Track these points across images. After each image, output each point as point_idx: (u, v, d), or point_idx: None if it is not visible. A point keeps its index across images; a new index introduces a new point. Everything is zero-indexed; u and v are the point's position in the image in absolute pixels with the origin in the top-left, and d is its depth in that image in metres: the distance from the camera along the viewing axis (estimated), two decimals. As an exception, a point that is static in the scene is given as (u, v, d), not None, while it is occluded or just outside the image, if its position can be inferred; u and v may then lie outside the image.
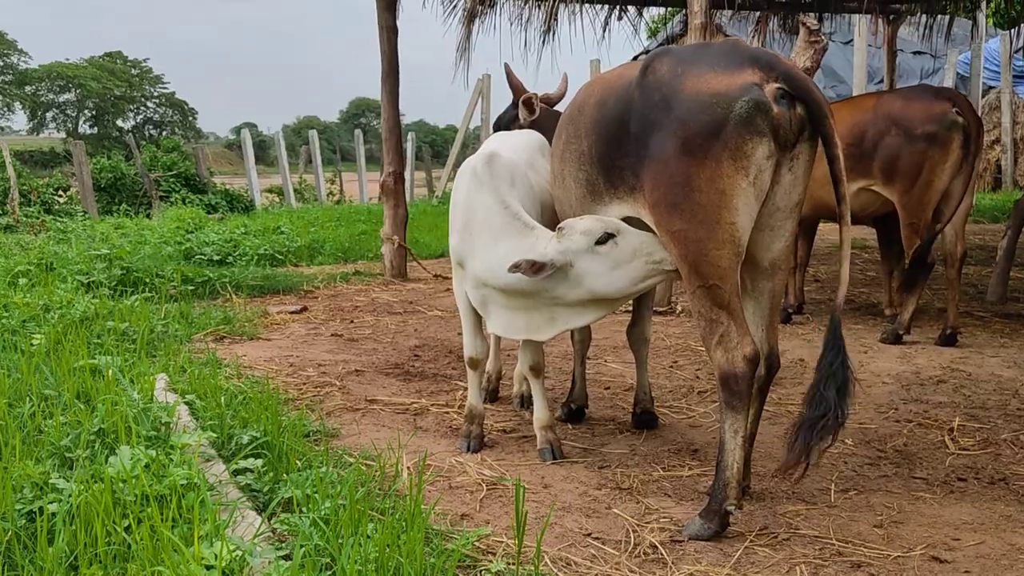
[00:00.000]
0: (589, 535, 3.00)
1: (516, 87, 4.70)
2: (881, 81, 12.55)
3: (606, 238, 3.28)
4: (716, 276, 2.95)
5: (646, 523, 3.11)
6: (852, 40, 15.76)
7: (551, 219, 3.83)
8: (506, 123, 4.76)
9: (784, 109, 2.88)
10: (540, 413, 3.82)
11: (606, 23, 10.10)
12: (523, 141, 4.19)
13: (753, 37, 10.70)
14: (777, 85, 2.89)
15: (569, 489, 3.43)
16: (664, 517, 3.17)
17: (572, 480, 3.52)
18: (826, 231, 11.71)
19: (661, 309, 6.81)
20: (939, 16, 10.41)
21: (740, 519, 3.10)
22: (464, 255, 3.68)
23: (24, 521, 2.57)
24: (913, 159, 5.68)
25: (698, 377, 5.10)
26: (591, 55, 10.50)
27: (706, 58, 3.02)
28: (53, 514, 2.54)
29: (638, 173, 3.13)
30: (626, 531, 3.04)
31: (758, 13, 10.43)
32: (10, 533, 2.49)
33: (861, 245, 10.56)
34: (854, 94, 13.29)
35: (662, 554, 2.86)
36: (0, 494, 2.65)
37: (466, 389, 4.70)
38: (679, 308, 6.91)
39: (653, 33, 17.16)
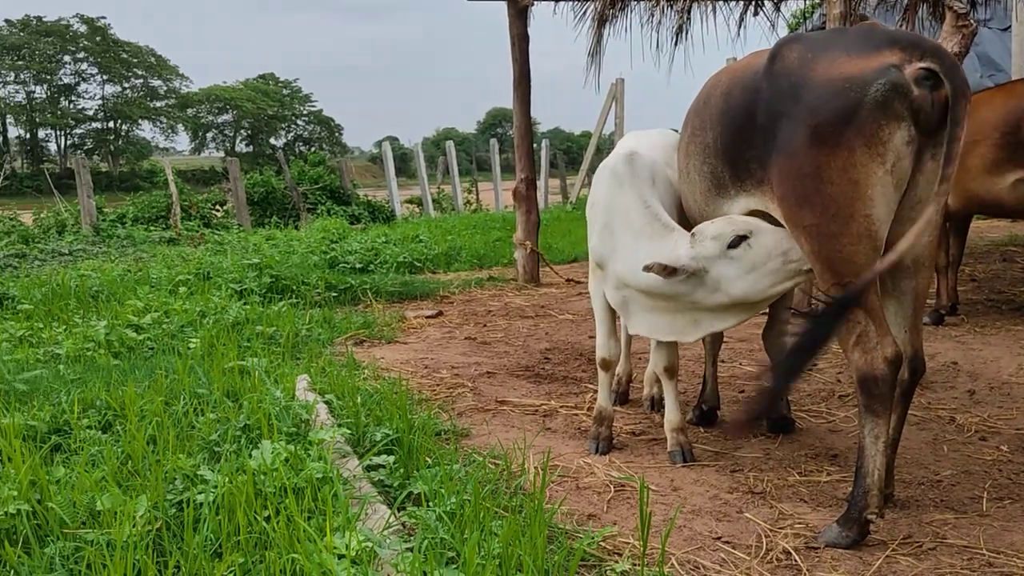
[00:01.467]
0: (719, 539, 2.93)
1: None
2: (1045, 67, 11.68)
3: (738, 241, 3.19)
4: (852, 273, 2.82)
5: (780, 529, 3.00)
6: (1010, 26, 14.74)
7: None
8: None
9: (926, 91, 2.70)
10: (671, 415, 3.76)
11: (741, 20, 9.84)
12: (659, 139, 4.11)
13: (900, 25, 10.18)
14: (920, 65, 2.72)
15: (699, 492, 3.36)
16: (799, 523, 3.05)
17: (702, 483, 3.45)
18: (983, 227, 11.03)
19: (802, 312, 6.56)
20: (1109, -6, 9.60)
21: (882, 527, 2.96)
22: (605, 255, 3.64)
23: (174, 510, 2.75)
24: (1078, 147, 5.26)
25: (839, 380, 4.89)
26: (725, 54, 10.23)
27: (839, 43, 2.89)
28: (200, 504, 2.71)
29: (765, 165, 3.03)
30: (758, 536, 2.95)
31: (906, 1, 9.92)
32: (160, 521, 2.67)
33: (1024, 242, 9.86)
34: (1014, 81, 12.40)
35: (796, 561, 2.76)
36: (154, 485, 2.84)
37: (596, 391, 4.69)
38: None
39: (793, 29, 16.62)
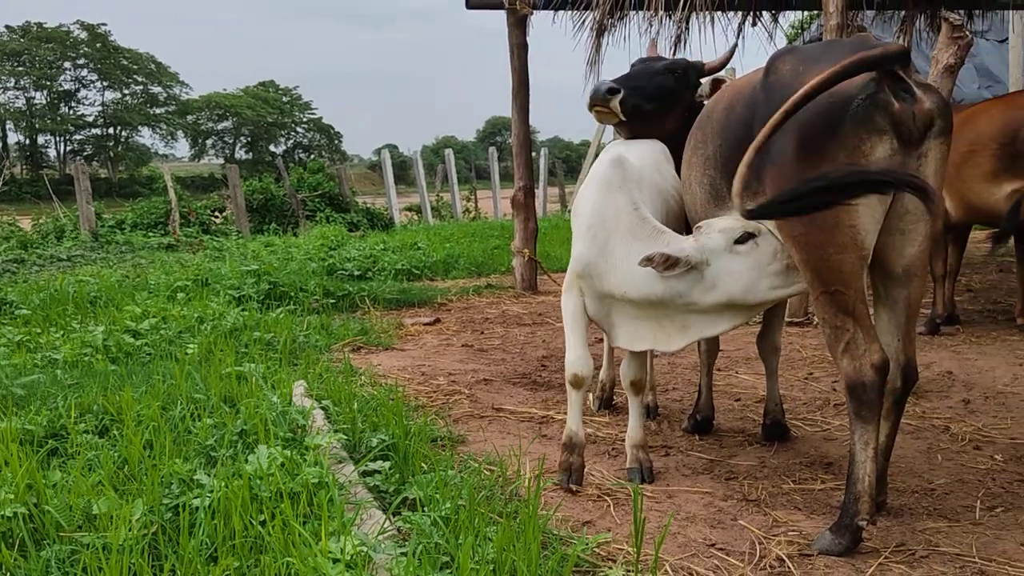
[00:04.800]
0: (713, 545, 2.94)
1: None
2: (1042, 79, 11.73)
3: (746, 237, 3.19)
4: (839, 281, 2.85)
5: (773, 536, 3.02)
6: (1007, 39, 14.80)
7: (675, 225, 3.77)
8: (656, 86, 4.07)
9: (907, 105, 2.74)
10: (634, 431, 3.70)
11: (739, 30, 9.89)
12: (647, 148, 4.11)
13: (898, 37, 10.23)
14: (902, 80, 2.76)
15: (694, 499, 3.37)
16: (793, 530, 3.07)
17: (697, 491, 3.46)
18: (980, 237, 11.05)
19: (797, 320, 6.59)
20: (1106, 6, 9.66)
21: (876, 535, 2.97)
22: (592, 260, 3.51)
23: (170, 514, 2.76)
24: (1073, 158, 5.30)
25: (834, 389, 4.90)
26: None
27: (829, 56, 2.91)
28: (196, 508, 2.72)
29: (761, 176, 3.06)
30: (752, 543, 2.96)
31: (903, 12, 9.98)
32: (156, 525, 2.68)
33: None
34: (1011, 93, 12.43)
35: (789, 568, 2.77)
36: (150, 489, 2.85)
37: (592, 398, 4.70)
38: (816, 319, 6.67)
39: (791, 39, 16.67)
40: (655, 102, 4.02)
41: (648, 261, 3.21)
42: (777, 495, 3.40)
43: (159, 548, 2.61)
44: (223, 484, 2.81)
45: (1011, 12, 11.76)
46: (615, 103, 3.94)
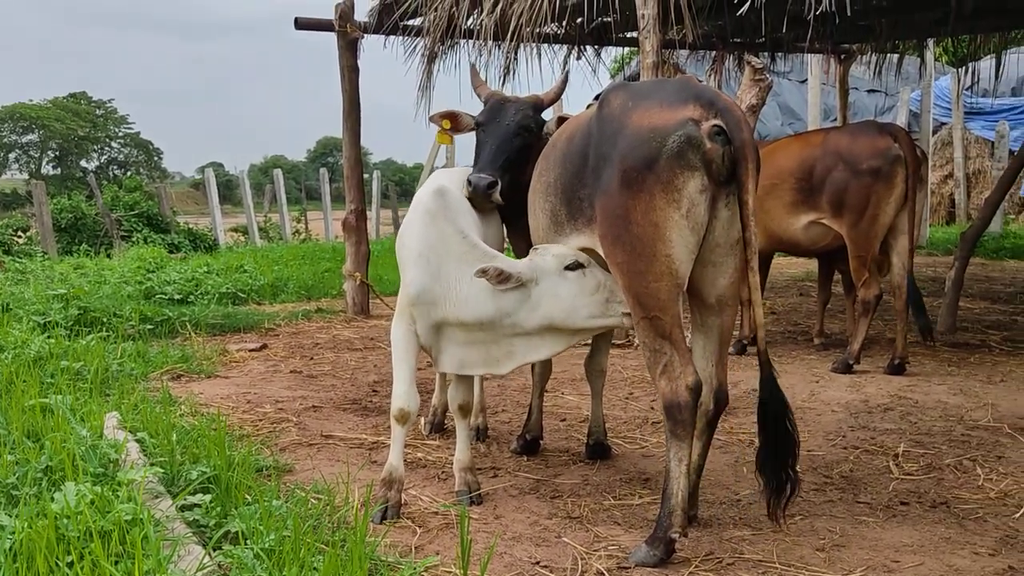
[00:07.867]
0: (537, 563, 3.03)
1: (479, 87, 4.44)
2: (836, 119, 12.86)
3: (576, 266, 3.36)
4: (657, 307, 3.03)
5: (594, 551, 3.14)
6: (807, 79, 16.14)
7: (495, 245, 3.91)
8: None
9: (718, 146, 2.95)
10: (461, 455, 3.77)
11: (565, 63, 10.27)
12: (464, 175, 4.16)
13: (709, 76, 10.94)
14: (714, 122, 2.97)
15: (520, 519, 3.46)
16: (612, 545, 3.20)
17: (523, 510, 3.55)
18: (784, 264, 11.95)
19: (619, 342, 6.88)
20: (889, 55, 10.73)
21: (687, 545, 3.15)
22: (426, 287, 3.54)
23: (-35, 559, 2.55)
24: (860, 193, 5.85)
25: (652, 408, 5.16)
26: (551, 94, 10.57)
27: (656, 94, 3.11)
28: (-6, 551, 2.53)
29: (593, 204, 3.21)
30: (574, 559, 3.07)
31: (714, 53, 10.69)
32: (-51, 571, 2.47)
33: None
34: (809, 131, 13.55)
35: (609, 581, 2.90)
36: (-59, 533, 2.63)
37: (423, 421, 4.72)
38: (636, 341, 6.99)
39: (613, 74, 17.46)
40: (520, 165, 4.03)
41: (483, 273, 3.33)
42: (599, 511, 3.54)
43: (-50, 598, 2.41)
44: (26, 524, 2.63)
45: (809, 56, 12.85)
46: (496, 195, 3.93)
